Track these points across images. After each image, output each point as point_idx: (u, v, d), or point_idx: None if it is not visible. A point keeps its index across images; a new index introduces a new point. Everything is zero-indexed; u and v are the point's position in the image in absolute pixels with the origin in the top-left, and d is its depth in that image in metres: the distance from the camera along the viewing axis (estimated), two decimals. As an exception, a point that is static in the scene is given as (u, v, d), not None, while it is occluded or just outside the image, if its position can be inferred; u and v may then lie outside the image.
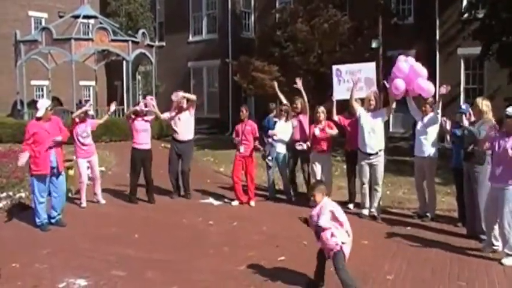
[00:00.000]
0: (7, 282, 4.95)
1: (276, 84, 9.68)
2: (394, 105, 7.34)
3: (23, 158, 6.70)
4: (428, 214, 7.34)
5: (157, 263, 5.55)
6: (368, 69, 8.04)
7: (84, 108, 8.35)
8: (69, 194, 8.56)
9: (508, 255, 5.52)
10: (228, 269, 5.35)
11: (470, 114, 6.49)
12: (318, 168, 8.13)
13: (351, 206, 8.06)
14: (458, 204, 7.10)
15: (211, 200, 8.81)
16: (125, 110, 19.95)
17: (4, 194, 8.06)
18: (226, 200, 8.69)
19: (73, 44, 19.12)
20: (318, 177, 7.87)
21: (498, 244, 5.80)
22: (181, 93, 8.83)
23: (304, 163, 8.69)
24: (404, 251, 5.93)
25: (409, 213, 7.75)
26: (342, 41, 16.40)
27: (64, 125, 7.26)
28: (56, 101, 22.01)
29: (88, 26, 25.51)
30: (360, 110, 7.54)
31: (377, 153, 7.37)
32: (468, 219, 6.57)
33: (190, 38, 24.45)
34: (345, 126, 8.03)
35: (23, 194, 8.23)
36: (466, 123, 6.35)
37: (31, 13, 26.11)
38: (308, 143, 8.34)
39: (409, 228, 6.92)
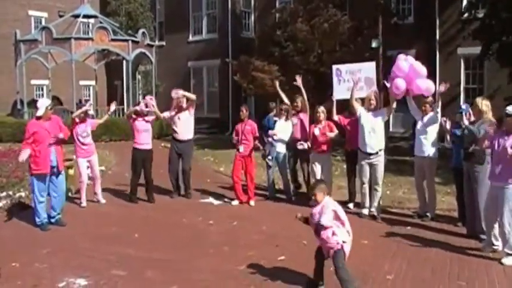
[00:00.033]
0: (7, 282, 4.94)
1: (277, 82, 9.67)
2: (394, 105, 7.34)
3: (24, 154, 6.69)
4: (428, 214, 7.34)
5: (157, 262, 5.55)
6: (368, 69, 8.04)
7: (84, 108, 8.36)
8: (69, 194, 8.57)
9: (508, 254, 5.52)
10: (228, 268, 5.35)
11: (470, 114, 6.50)
12: (317, 168, 8.13)
13: (350, 205, 8.06)
14: (458, 204, 7.10)
15: (211, 199, 8.81)
16: (125, 110, 19.95)
17: (4, 194, 8.06)
18: (226, 200, 8.69)
19: (73, 44, 19.12)
20: (318, 177, 7.86)
21: (498, 244, 5.81)
22: (181, 92, 8.83)
23: (304, 163, 8.70)
24: (404, 251, 5.93)
25: (409, 213, 7.75)
26: (342, 40, 16.39)
27: (64, 125, 7.26)
28: (56, 100, 22.02)
29: (88, 26, 25.51)
30: (360, 110, 7.54)
31: (377, 153, 7.37)
32: (468, 219, 6.57)
33: (190, 38, 24.44)
34: (344, 126, 8.03)
35: (22, 194, 8.23)
36: (466, 122, 6.35)
37: (31, 12, 26.13)
38: (308, 143, 8.35)
39: (409, 228, 6.92)
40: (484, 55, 14.05)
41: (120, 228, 6.94)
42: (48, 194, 6.98)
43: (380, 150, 7.39)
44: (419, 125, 7.28)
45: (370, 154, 7.36)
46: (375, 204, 7.45)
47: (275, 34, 17.17)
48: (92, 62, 24.49)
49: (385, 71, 12.80)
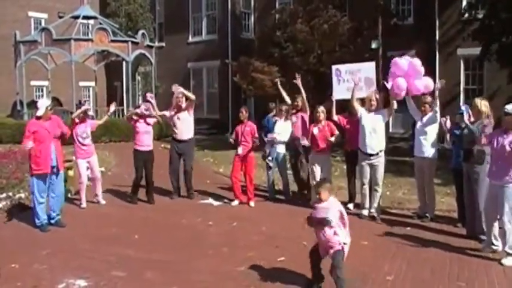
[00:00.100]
0: (6, 283, 4.94)
1: (279, 81, 9.65)
2: (395, 106, 7.32)
3: (29, 143, 6.67)
4: (427, 214, 7.34)
5: (157, 263, 5.55)
6: (368, 69, 8.03)
7: (83, 108, 8.36)
8: (69, 195, 8.57)
9: (508, 254, 5.52)
10: (227, 269, 5.35)
11: (470, 115, 6.49)
12: (317, 169, 8.11)
13: (350, 206, 8.06)
14: (458, 204, 7.09)
15: (210, 200, 8.81)
16: (125, 111, 19.97)
17: (4, 195, 8.05)
18: (225, 201, 8.68)
19: (73, 45, 19.14)
20: (318, 178, 7.85)
21: (498, 244, 5.81)
22: (181, 89, 8.83)
23: (303, 163, 8.68)
24: (404, 252, 5.93)
25: (409, 213, 7.75)
26: (341, 41, 16.40)
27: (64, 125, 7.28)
28: (56, 101, 22.00)
29: (88, 27, 25.53)
30: (361, 111, 7.53)
31: (378, 153, 7.36)
32: (468, 220, 6.57)
33: (190, 39, 24.46)
34: (344, 126, 8.03)
35: (22, 195, 8.22)
36: (467, 122, 6.35)
37: (31, 13, 26.13)
38: (308, 141, 8.33)
39: (408, 228, 6.92)
40: (484, 56, 14.06)
41: (120, 229, 6.94)
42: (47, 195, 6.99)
43: (380, 151, 7.39)
44: (418, 126, 7.28)
45: (371, 155, 7.36)
46: (375, 205, 7.45)
47: (275, 35, 17.18)
48: (91, 63, 24.50)
49: (384, 72, 12.81)
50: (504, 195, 5.53)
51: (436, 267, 5.38)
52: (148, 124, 8.56)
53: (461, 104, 14.35)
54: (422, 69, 7.07)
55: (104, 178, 8.98)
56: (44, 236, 6.61)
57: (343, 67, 8.22)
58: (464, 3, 16.88)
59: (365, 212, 7.53)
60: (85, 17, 22.58)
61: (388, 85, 7.22)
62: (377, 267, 5.39)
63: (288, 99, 8.99)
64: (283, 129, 8.69)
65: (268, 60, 16.59)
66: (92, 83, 25.48)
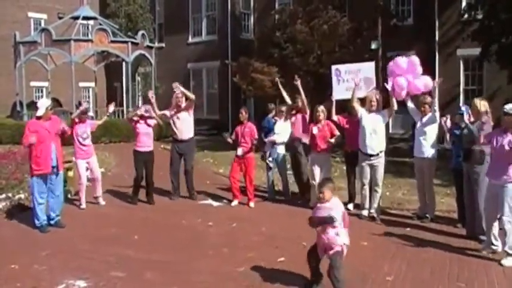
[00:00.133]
0: (6, 284, 4.94)
1: (279, 81, 9.64)
2: (395, 107, 7.31)
3: (32, 138, 6.64)
4: (427, 215, 7.34)
5: (157, 264, 5.55)
6: (367, 69, 8.02)
7: (81, 108, 8.37)
8: (69, 196, 8.57)
9: (508, 255, 5.52)
10: (227, 270, 5.35)
11: (470, 115, 6.49)
12: (317, 169, 8.09)
13: (350, 206, 8.05)
14: (458, 205, 7.09)
15: (210, 201, 8.81)
16: (125, 111, 19.96)
17: (3, 196, 8.05)
18: (225, 201, 8.68)
19: (72, 45, 19.14)
20: (317, 179, 7.84)
21: (498, 244, 5.81)
22: (181, 88, 8.82)
23: (302, 164, 8.66)
24: (404, 252, 5.93)
25: (409, 214, 7.75)
26: (341, 42, 16.39)
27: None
28: (56, 102, 21.98)
29: (87, 27, 25.54)
30: (361, 111, 7.53)
31: (378, 154, 7.36)
32: (468, 220, 6.57)
33: (190, 39, 24.46)
34: (344, 126, 8.03)
35: (22, 196, 8.23)
36: (467, 122, 6.35)
37: (30, 14, 26.14)
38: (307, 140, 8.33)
39: (408, 229, 6.92)
40: (484, 56, 14.06)
41: (119, 230, 6.94)
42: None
43: (381, 151, 7.39)
44: (418, 126, 7.28)
45: (371, 155, 7.36)
46: (375, 205, 7.44)
47: (274, 35, 17.17)
48: (91, 63, 24.49)
49: (384, 73, 12.81)
50: (504, 194, 5.54)
51: (436, 268, 5.38)
52: (148, 125, 8.56)
53: (461, 104, 14.34)
54: (420, 68, 7.08)
55: (103, 179, 8.97)
56: (43, 237, 6.61)
57: (342, 67, 8.22)
58: (463, 4, 16.90)
59: (365, 213, 7.53)
60: (85, 18, 22.58)
61: (388, 86, 7.23)
62: (377, 267, 5.39)
63: (288, 99, 8.99)
64: (282, 130, 8.69)
65: (267, 60, 16.58)
66: (92, 84, 25.47)
